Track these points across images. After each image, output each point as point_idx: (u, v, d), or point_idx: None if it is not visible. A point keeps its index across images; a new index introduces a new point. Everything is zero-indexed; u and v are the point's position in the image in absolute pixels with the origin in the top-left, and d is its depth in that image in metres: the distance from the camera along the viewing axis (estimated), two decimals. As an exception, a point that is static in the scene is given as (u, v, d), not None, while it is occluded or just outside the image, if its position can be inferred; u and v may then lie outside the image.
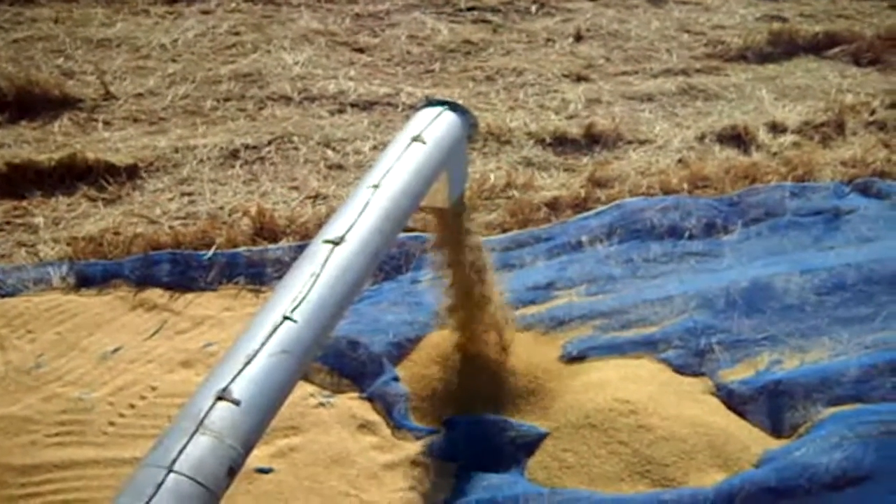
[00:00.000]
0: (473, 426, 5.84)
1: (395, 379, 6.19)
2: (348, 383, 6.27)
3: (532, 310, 6.71)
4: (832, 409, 5.71)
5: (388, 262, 7.09)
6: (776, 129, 9.18)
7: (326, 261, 4.05)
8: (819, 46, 11.01)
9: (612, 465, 5.41)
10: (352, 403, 6.16)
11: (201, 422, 3.28)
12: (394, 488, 5.64)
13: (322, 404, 6.13)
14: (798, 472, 5.20)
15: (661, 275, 7.04)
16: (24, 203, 8.18)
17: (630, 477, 5.34)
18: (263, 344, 3.61)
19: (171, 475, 3.12)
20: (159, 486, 3.08)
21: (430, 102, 5.39)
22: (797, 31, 11.14)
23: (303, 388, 6.12)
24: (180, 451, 3.18)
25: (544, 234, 7.56)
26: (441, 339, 6.33)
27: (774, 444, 5.60)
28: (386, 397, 6.12)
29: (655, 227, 7.52)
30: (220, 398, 3.37)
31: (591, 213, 7.73)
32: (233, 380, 3.44)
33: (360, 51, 10.85)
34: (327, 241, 4.18)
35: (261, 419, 3.47)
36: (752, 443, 5.58)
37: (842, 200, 7.87)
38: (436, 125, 5.10)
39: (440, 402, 6.03)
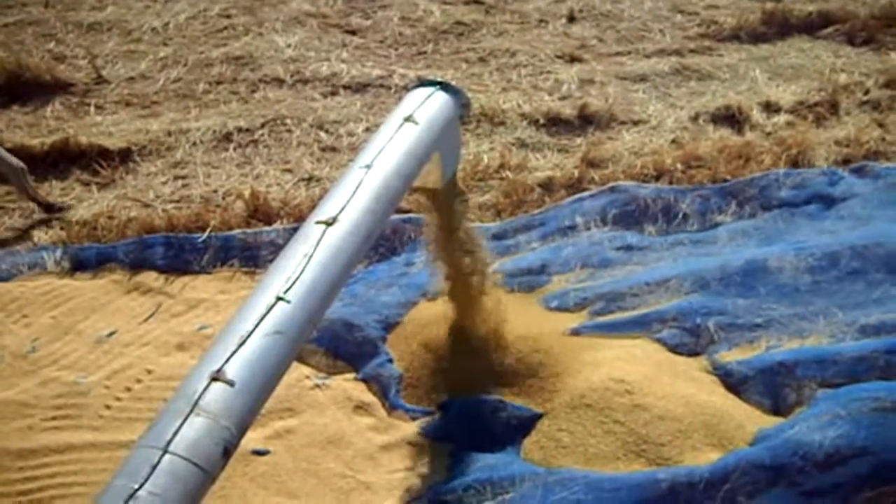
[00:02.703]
0: (468, 407, 5.86)
1: (390, 361, 6.21)
2: (343, 365, 6.28)
3: (526, 291, 6.72)
4: (826, 389, 5.73)
5: (381, 243, 7.09)
6: (770, 108, 9.18)
7: (319, 241, 4.04)
8: (813, 26, 10.99)
9: (608, 444, 5.42)
10: (347, 385, 6.17)
11: (196, 403, 3.29)
12: (390, 469, 5.65)
13: (318, 386, 6.13)
14: (792, 450, 5.21)
15: (656, 256, 7.04)
16: (17, 187, 8.17)
17: (626, 456, 5.35)
18: (257, 325, 3.61)
19: (167, 456, 3.12)
20: (155, 466, 3.08)
21: (423, 83, 5.38)
22: (791, 11, 11.12)
23: (298, 370, 6.12)
24: (175, 432, 3.19)
25: (538, 218, 7.56)
26: (432, 315, 6.35)
27: (769, 422, 5.60)
28: (380, 379, 6.14)
29: (650, 209, 7.54)
30: (214, 379, 3.37)
31: (586, 194, 7.74)
32: (227, 361, 3.45)
33: (353, 33, 10.82)
34: (320, 222, 4.17)
35: (255, 400, 3.47)
36: (746, 421, 5.59)
37: (836, 181, 7.87)
38: (428, 105, 5.09)
39: (434, 381, 6.04)
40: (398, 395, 6.02)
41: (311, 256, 3.94)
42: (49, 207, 7.59)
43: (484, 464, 5.49)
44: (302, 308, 3.75)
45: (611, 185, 7.75)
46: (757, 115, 9.03)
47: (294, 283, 3.80)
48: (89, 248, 7.34)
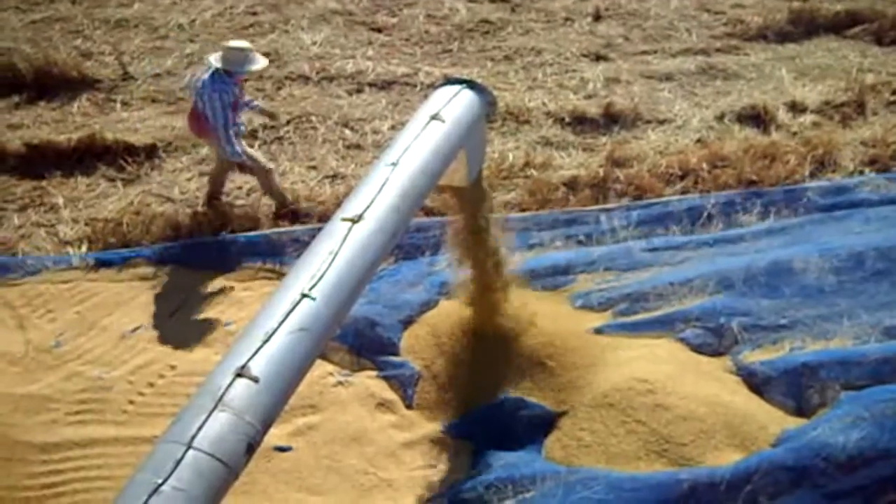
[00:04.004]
0: (490, 406, 5.88)
1: (410, 359, 6.24)
2: (366, 362, 6.30)
3: (550, 290, 6.72)
4: (850, 390, 5.72)
5: (406, 242, 7.09)
6: (796, 108, 9.13)
7: (345, 239, 4.05)
8: (840, 25, 10.92)
9: (630, 443, 5.42)
10: (370, 382, 6.19)
11: (220, 399, 3.31)
12: (412, 466, 5.68)
13: (341, 383, 6.14)
14: (815, 452, 5.21)
15: (681, 256, 7.03)
16: (44, 183, 8.21)
17: (647, 456, 5.35)
18: (282, 322, 3.63)
19: (191, 451, 3.15)
20: (178, 461, 3.11)
21: (449, 81, 5.38)
22: (818, 10, 11.06)
23: (322, 367, 6.14)
24: (199, 428, 3.21)
25: (564, 217, 7.56)
26: (453, 313, 6.36)
27: (792, 423, 5.60)
28: (401, 377, 6.17)
29: (675, 211, 7.55)
30: (238, 375, 3.39)
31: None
32: (251, 357, 3.47)
33: (378, 30, 10.83)
34: (346, 220, 4.18)
35: (279, 396, 3.49)
36: (769, 422, 5.58)
37: (862, 183, 7.84)
38: (454, 103, 5.10)
39: (455, 379, 6.06)
40: (416, 393, 6.05)
41: (336, 254, 3.95)
42: (283, 204, 7.57)
43: (505, 462, 5.51)
44: (327, 305, 3.77)
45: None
46: (783, 115, 8.98)
47: (319, 280, 3.81)
48: (115, 245, 7.39)
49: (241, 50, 7.06)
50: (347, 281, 3.89)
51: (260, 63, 7.15)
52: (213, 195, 7.63)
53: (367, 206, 4.23)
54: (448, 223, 6.22)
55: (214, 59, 7.02)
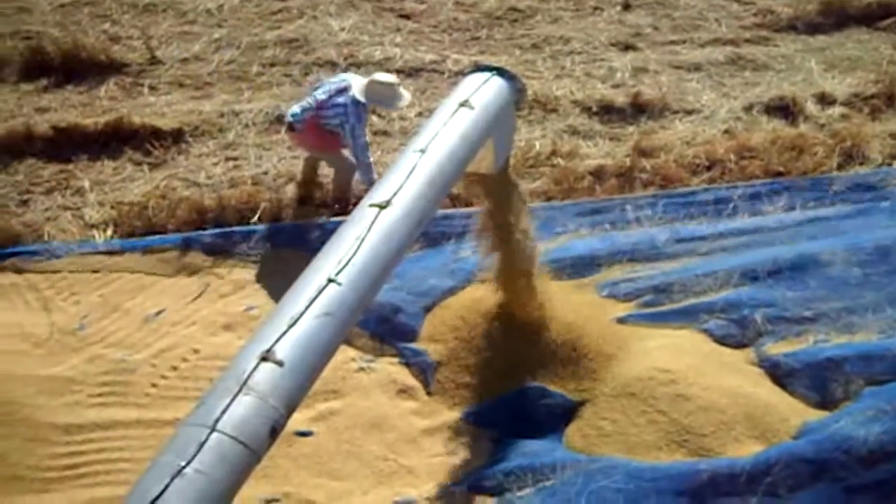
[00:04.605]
0: (512, 394, 5.86)
1: (430, 346, 6.23)
2: (389, 348, 6.31)
3: (575, 279, 6.70)
4: (872, 385, 5.69)
5: (432, 229, 7.07)
6: (825, 100, 9.06)
7: (372, 224, 4.05)
8: (871, 17, 10.82)
9: (650, 433, 5.41)
10: (392, 369, 6.19)
11: (245, 382, 3.31)
12: (432, 453, 5.68)
13: (363, 369, 6.15)
14: (836, 445, 5.19)
15: (707, 247, 7.00)
16: (71, 166, 8.26)
17: (668, 446, 5.35)
18: (308, 306, 3.63)
19: (214, 434, 3.15)
20: (202, 444, 3.12)
21: (479, 68, 5.36)
22: (849, 2, 10.94)
23: (344, 353, 6.14)
24: (223, 411, 3.22)
25: (590, 206, 7.54)
26: (477, 300, 6.35)
27: (813, 416, 5.57)
28: (422, 364, 6.16)
29: (701, 201, 7.52)
30: (263, 359, 3.40)
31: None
32: (277, 341, 3.47)
33: (407, 17, 10.81)
34: (373, 205, 4.18)
35: (304, 380, 3.50)
36: (791, 415, 5.56)
37: (890, 176, 7.79)
38: (484, 91, 5.08)
39: (476, 366, 6.05)
40: (437, 380, 6.05)
41: (363, 239, 3.95)
42: (343, 200, 7.57)
43: (526, 450, 5.51)
44: (353, 290, 3.77)
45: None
46: (811, 107, 8.92)
47: (346, 265, 3.82)
48: (139, 227, 7.41)
49: (389, 85, 7.08)
50: (374, 267, 3.89)
51: (405, 99, 7.18)
52: (344, 198, 7.56)
53: (395, 192, 4.23)
54: (475, 211, 6.20)
55: (359, 93, 7.00)
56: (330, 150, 7.26)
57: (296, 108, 7.25)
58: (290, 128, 7.31)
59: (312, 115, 7.11)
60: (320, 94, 7.17)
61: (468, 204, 7.21)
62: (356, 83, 7.10)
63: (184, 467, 3.02)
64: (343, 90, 7.09)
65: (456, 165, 4.61)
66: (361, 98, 6.98)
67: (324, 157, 7.49)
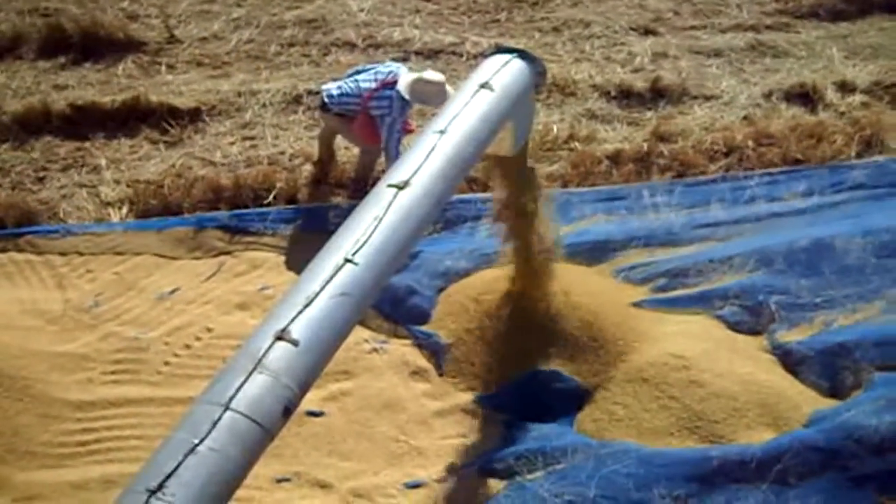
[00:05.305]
0: (525, 377, 5.86)
1: (443, 328, 6.24)
2: (402, 330, 6.31)
3: (590, 263, 6.68)
4: (884, 372, 5.66)
5: (448, 211, 7.06)
6: (845, 88, 8.98)
7: (390, 204, 4.04)
8: (895, 4, 10.72)
9: (662, 419, 5.41)
10: (405, 350, 6.20)
11: (259, 361, 3.31)
12: (443, 435, 5.68)
13: (376, 350, 6.16)
14: (846, 433, 5.17)
15: (722, 234, 6.98)
16: (87, 144, 8.28)
17: (679, 432, 5.35)
18: (324, 286, 3.62)
19: (228, 413, 3.15)
20: (216, 422, 3.12)
21: (500, 49, 5.34)
22: (873, -12, 10.86)
23: (357, 334, 6.12)
24: (238, 389, 3.22)
25: (606, 190, 7.52)
26: (491, 282, 6.34)
27: (825, 404, 5.56)
28: (434, 345, 6.17)
29: (718, 187, 7.49)
30: (278, 338, 3.39)
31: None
32: (292, 320, 3.47)
33: (426, -2, 10.78)
34: (392, 185, 4.17)
35: (318, 360, 3.50)
36: (802, 402, 5.55)
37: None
38: (504, 72, 5.06)
39: (489, 349, 6.05)
40: (449, 362, 6.05)
41: (381, 219, 3.94)
42: (363, 182, 7.57)
43: (537, 434, 5.51)
44: (369, 270, 3.76)
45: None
46: (831, 95, 8.85)
47: (363, 245, 3.81)
48: (155, 206, 7.42)
49: (437, 84, 7.03)
50: (391, 246, 3.89)
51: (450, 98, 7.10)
52: (364, 180, 7.53)
53: (414, 173, 4.22)
54: (492, 194, 6.18)
55: (405, 90, 6.97)
56: (370, 141, 7.21)
57: (333, 90, 7.21)
58: (324, 107, 7.28)
59: (360, 104, 7.09)
60: (366, 82, 7.15)
61: (484, 187, 7.19)
62: (404, 78, 7.07)
63: (197, 445, 3.03)
64: (391, 83, 7.05)
65: (475, 147, 4.60)
66: (407, 95, 6.95)
67: (356, 141, 7.47)
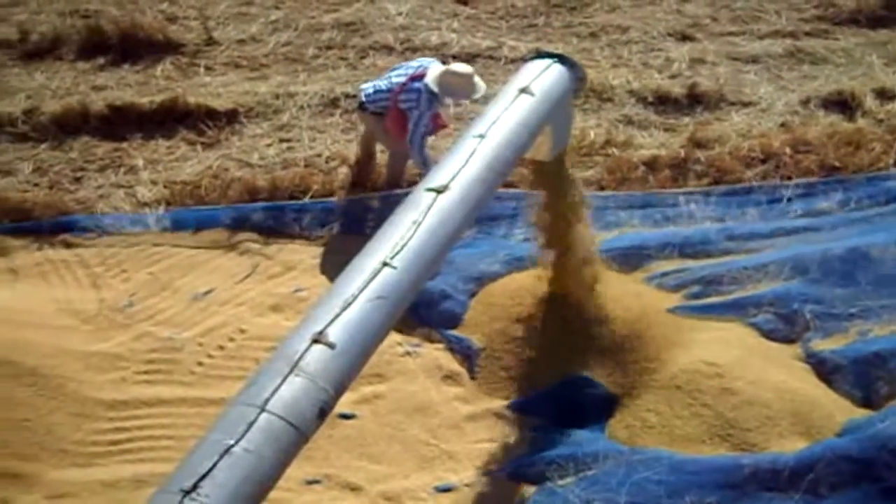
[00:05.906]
0: (557, 383, 5.85)
1: (475, 332, 6.24)
2: (436, 334, 6.31)
3: (625, 269, 6.66)
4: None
5: (483, 215, 7.04)
6: (884, 95, 8.89)
7: (429, 209, 4.06)
8: (938, 11, 10.63)
9: (694, 426, 5.38)
10: (438, 354, 6.20)
11: (296, 363, 3.33)
12: (475, 439, 5.67)
13: (409, 353, 6.16)
14: (880, 444, 5.10)
15: (757, 241, 6.94)
16: (125, 145, 8.35)
17: (711, 440, 5.31)
18: (362, 289, 3.64)
19: (264, 414, 3.17)
20: (251, 424, 3.13)
21: (540, 54, 5.34)
22: (915, -5, 10.76)
23: (390, 337, 6.07)
24: (274, 391, 3.23)
25: (642, 197, 7.50)
26: (524, 286, 6.33)
27: (859, 414, 5.51)
28: (466, 350, 6.16)
29: (754, 195, 7.45)
30: (315, 341, 3.41)
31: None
32: (329, 323, 3.48)
33: (464, 3, 10.77)
34: (430, 189, 4.18)
35: (354, 363, 3.51)
36: (836, 411, 5.50)
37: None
38: (544, 77, 5.06)
39: (521, 354, 6.04)
40: (482, 367, 6.05)
41: (419, 223, 3.96)
42: (395, 185, 7.60)
43: (568, 440, 5.50)
44: (407, 274, 3.78)
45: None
46: (870, 102, 8.76)
47: (401, 249, 3.83)
48: (191, 206, 7.48)
49: (465, 76, 7.01)
50: (429, 251, 3.90)
51: (480, 90, 7.07)
52: (395, 185, 7.51)
53: (453, 177, 4.24)
54: (529, 199, 6.18)
55: (433, 83, 6.94)
56: (402, 137, 7.17)
57: (369, 88, 7.23)
58: (361, 107, 7.29)
59: (390, 98, 7.08)
60: (397, 78, 7.16)
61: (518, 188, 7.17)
62: (432, 70, 7.05)
63: (232, 446, 3.04)
64: (420, 77, 7.04)
65: (514, 152, 4.61)
66: (434, 88, 6.93)
67: (387, 141, 7.46)
